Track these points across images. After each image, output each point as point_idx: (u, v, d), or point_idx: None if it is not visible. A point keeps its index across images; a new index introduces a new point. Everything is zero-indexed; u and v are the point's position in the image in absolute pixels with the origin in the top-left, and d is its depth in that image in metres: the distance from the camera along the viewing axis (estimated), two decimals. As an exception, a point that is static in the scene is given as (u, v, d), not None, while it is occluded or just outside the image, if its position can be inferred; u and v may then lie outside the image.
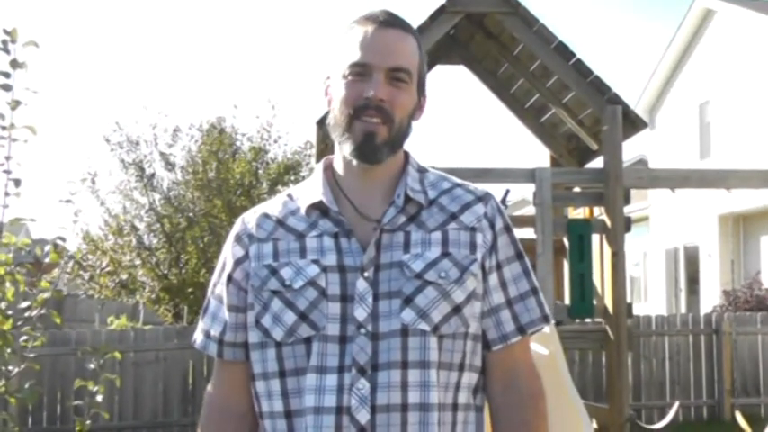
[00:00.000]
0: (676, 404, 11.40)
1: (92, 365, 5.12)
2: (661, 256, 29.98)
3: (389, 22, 2.32)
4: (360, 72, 2.27)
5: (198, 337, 2.47)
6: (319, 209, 2.33)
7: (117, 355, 5.18)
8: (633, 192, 8.98)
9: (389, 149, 2.30)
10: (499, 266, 2.35)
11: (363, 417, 2.15)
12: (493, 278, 2.33)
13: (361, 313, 2.20)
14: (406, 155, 2.43)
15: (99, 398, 5.04)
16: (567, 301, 8.64)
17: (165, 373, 13.51)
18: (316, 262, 2.26)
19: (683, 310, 27.65)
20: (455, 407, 2.27)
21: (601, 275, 8.82)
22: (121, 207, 22.25)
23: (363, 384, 2.17)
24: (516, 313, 2.35)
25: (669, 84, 29.01)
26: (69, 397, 12.76)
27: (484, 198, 2.39)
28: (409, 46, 2.33)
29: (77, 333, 13.52)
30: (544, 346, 4.39)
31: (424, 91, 2.42)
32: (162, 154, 22.57)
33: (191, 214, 21.60)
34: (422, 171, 2.43)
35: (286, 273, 2.26)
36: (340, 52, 2.34)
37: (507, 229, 2.39)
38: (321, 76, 2.44)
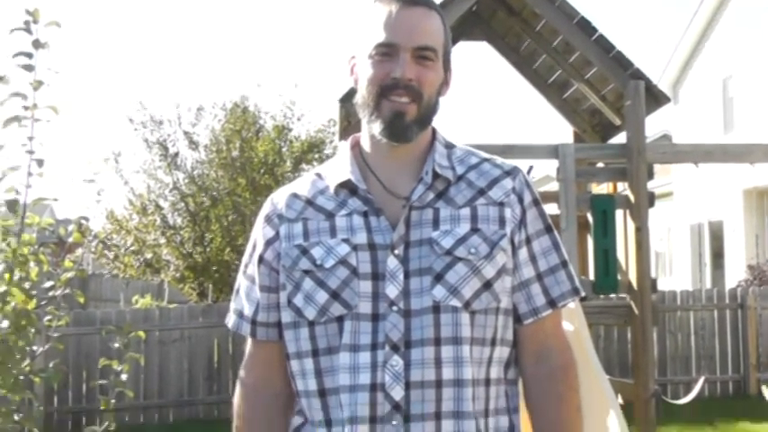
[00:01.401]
0: (702, 379, 11.40)
1: (116, 345, 5.13)
2: (686, 231, 29.94)
3: (413, 0, 2.31)
4: (386, 52, 2.27)
5: (230, 317, 2.48)
6: (348, 187, 2.32)
7: (141, 334, 5.19)
8: (657, 167, 8.94)
9: (419, 127, 2.30)
10: (528, 240, 2.34)
11: (398, 393, 2.16)
12: (522, 252, 2.32)
13: (392, 291, 2.20)
14: (434, 131, 2.42)
15: (124, 377, 5.04)
16: (591, 276, 8.62)
17: (189, 351, 13.58)
18: (346, 241, 2.26)
19: (707, 284, 27.59)
20: (488, 382, 2.26)
21: (625, 251, 8.79)
22: (145, 186, 22.32)
23: (397, 361, 2.17)
24: (546, 287, 2.34)
25: (692, 58, 28.91)
26: (95, 376, 12.83)
27: (512, 172, 2.38)
28: (434, 23, 2.33)
29: (102, 312, 13.62)
30: (569, 321, 4.36)
31: (449, 66, 2.41)
32: (185, 133, 22.63)
33: (215, 193, 21.66)
34: (449, 147, 2.42)
35: (317, 252, 2.27)
36: (365, 32, 2.33)
37: (536, 203, 2.38)
38: (346, 55, 2.43)
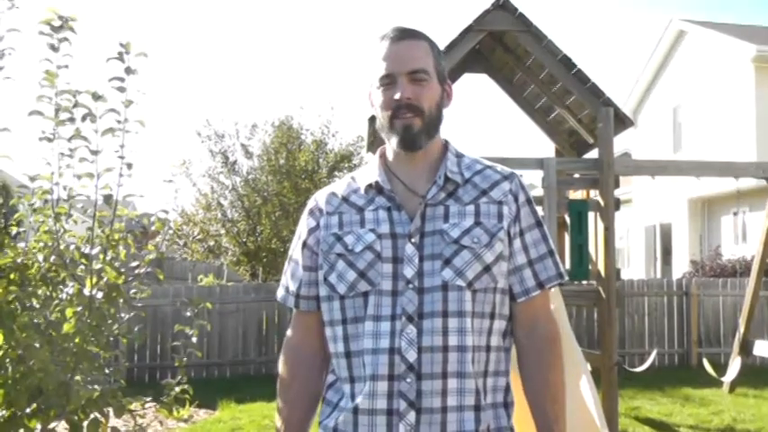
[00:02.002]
0: (654, 352, 11.35)
1: (188, 313, 5.13)
2: (641, 231, 29.83)
3: (399, 36, 2.30)
4: (387, 81, 2.27)
5: (279, 292, 2.50)
6: (375, 188, 2.32)
7: (209, 305, 5.18)
8: (620, 178, 8.92)
9: (426, 135, 2.29)
10: (522, 233, 2.32)
11: (411, 356, 2.14)
12: (517, 242, 2.30)
13: (409, 272, 2.19)
14: (446, 143, 2.41)
15: (194, 339, 5.05)
16: (567, 266, 8.59)
17: (244, 321, 13.61)
18: (372, 231, 2.26)
19: (658, 275, 27.51)
20: (488, 348, 2.24)
21: (595, 246, 8.77)
22: (210, 187, 22.37)
23: (411, 330, 2.15)
24: (536, 271, 2.32)
25: (649, 90, 28.86)
26: (167, 339, 12.95)
27: (509, 177, 2.37)
28: (421, 50, 2.31)
29: (174, 288, 13.62)
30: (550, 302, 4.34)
31: (445, 80, 2.38)
32: (242, 145, 22.66)
33: (265, 194, 21.67)
34: (459, 156, 2.40)
35: (349, 239, 2.27)
36: (371, 67, 2.33)
37: (528, 202, 2.36)
38: (366, 85, 2.42)
